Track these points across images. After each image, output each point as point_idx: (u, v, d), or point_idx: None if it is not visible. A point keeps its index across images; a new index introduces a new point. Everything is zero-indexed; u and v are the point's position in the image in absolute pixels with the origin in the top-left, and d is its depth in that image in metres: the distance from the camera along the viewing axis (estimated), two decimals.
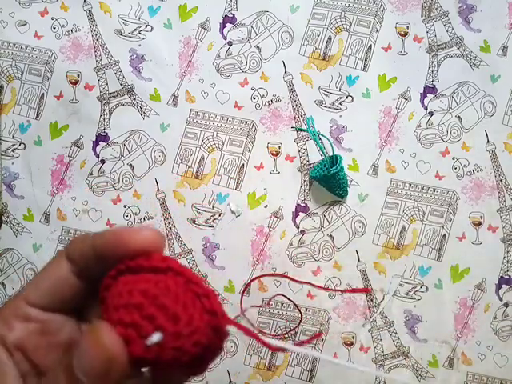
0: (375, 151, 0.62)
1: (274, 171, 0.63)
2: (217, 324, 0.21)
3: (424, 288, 0.61)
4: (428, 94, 0.62)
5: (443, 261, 0.61)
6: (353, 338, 0.61)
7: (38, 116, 0.63)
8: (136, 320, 0.20)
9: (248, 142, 0.63)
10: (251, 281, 0.61)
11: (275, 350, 0.22)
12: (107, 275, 0.22)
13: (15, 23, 0.64)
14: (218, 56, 0.63)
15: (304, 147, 0.62)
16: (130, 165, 0.63)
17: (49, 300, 0.22)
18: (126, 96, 0.63)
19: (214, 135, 0.63)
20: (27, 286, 0.23)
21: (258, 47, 0.63)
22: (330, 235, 0.62)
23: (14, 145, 0.63)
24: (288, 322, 0.61)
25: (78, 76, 0.63)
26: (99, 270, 0.22)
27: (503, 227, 0.61)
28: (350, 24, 0.63)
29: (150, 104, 0.63)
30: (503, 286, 0.61)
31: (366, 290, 0.61)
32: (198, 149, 0.63)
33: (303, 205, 0.62)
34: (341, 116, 0.62)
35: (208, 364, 0.22)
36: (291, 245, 0.62)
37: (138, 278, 0.21)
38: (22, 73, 0.64)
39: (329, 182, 0.59)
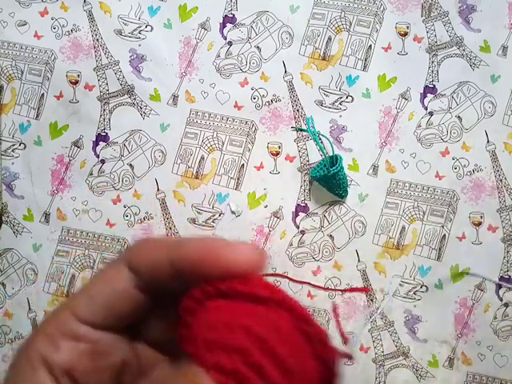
0: (375, 151, 0.62)
1: (274, 171, 0.63)
2: (332, 376, 0.17)
3: (424, 288, 0.61)
4: (428, 94, 0.62)
5: (443, 261, 0.61)
6: (353, 338, 0.61)
7: (38, 116, 0.63)
8: (239, 368, 0.16)
9: (248, 141, 0.63)
10: None
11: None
12: (190, 296, 0.18)
13: (15, 23, 0.64)
14: (218, 56, 0.63)
15: (304, 147, 0.62)
16: (130, 165, 0.63)
17: (104, 317, 0.19)
18: (126, 96, 0.63)
19: (214, 135, 0.63)
20: (77, 297, 0.19)
21: (258, 47, 0.63)
22: (330, 235, 0.62)
23: (14, 145, 0.63)
24: None
25: (78, 76, 0.63)
26: (173, 285, 0.19)
27: (503, 227, 0.61)
28: (350, 24, 0.63)
29: (150, 104, 0.63)
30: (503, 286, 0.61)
31: (365, 290, 0.61)
32: (197, 149, 0.63)
33: (303, 205, 0.62)
34: (341, 116, 0.62)
35: None
36: (291, 245, 0.62)
37: (234, 307, 0.17)
38: (22, 73, 0.64)
39: (329, 182, 0.59)
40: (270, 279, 0.61)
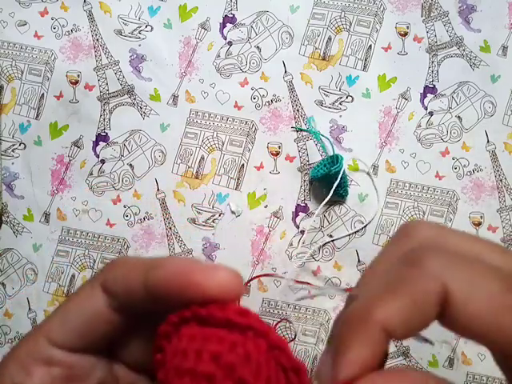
0: (375, 151, 0.62)
1: (274, 171, 0.63)
2: None
3: None
4: (428, 94, 0.62)
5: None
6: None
7: (37, 116, 0.63)
8: None
9: (248, 141, 0.63)
10: (251, 280, 0.61)
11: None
12: (167, 321, 0.18)
13: (15, 23, 0.64)
14: (218, 56, 0.63)
15: (304, 147, 0.62)
16: (130, 165, 0.63)
17: (78, 340, 0.18)
18: (125, 96, 0.63)
19: (214, 135, 0.63)
20: (50, 320, 0.19)
21: (258, 47, 0.63)
22: (330, 235, 0.62)
23: (14, 145, 0.63)
24: (288, 323, 0.61)
25: (78, 76, 0.63)
26: (148, 307, 0.18)
27: (503, 227, 0.61)
28: (350, 24, 0.63)
29: (150, 104, 0.63)
30: None
31: None
32: (197, 149, 0.63)
33: (303, 205, 0.62)
34: (341, 116, 0.62)
35: None
36: (291, 245, 0.62)
37: (208, 333, 0.17)
38: (22, 73, 0.64)
39: (330, 181, 0.59)
40: (270, 279, 0.61)
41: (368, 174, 0.62)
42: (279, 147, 0.63)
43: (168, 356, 0.17)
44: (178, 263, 0.17)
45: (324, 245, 0.62)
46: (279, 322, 0.60)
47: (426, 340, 0.20)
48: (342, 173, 0.59)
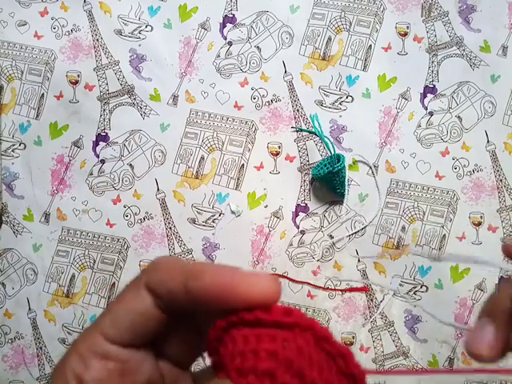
0: (375, 151, 0.62)
1: (274, 171, 0.63)
2: None
3: (424, 288, 0.61)
4: (428, 94, 0.62)
5: (443, 261, 0.61)
6: (353, 338, 0.61)
7: (38, 116, 0.63)
8: None
9: (248, 142, 0.63)
10: None
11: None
12: (215, 326, 0.19)
13: (15, 23, 0.64)
14: (218, 56, 0.63)
15: (304, 147, 0.62)
16: (130, 165, 0.63)
17: (130, 336, 0.20)
18: (125, 96, 0.63)
19: (214, 135, 0.63)
20: (103, 319, 0.20)
21: (257, 47, 0.63)
22: (330, 235, 0.62)
23: (14, 145, 0.63)
24: None
25: (78, 76, 0.63)
26: (190, 308, 0.19)
27: (503, 227, 0.61)
28: (350, 24, 0.63)
29: (150, 104, 0.63)
30: None
31: (365, 289, 0.61)
32: (197, 149, 0.63)
33: (303, 205, 0.62)
34: (341, 116, 0.62)
35: None
36: (291, 245, 0.62)
37: (259, 333, 0.18)
38: (22, 73, 0.64)
39: (331, 180, 0.59)
40: None
41: (371, 169, 0.62)
42: (279, 147, 0.63)
43: (226, 359, 0.18)
44: (218, 273, 0.18)
45: (323, 244, 0.62)
46: None
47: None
48: (344, 171, 0.59)
